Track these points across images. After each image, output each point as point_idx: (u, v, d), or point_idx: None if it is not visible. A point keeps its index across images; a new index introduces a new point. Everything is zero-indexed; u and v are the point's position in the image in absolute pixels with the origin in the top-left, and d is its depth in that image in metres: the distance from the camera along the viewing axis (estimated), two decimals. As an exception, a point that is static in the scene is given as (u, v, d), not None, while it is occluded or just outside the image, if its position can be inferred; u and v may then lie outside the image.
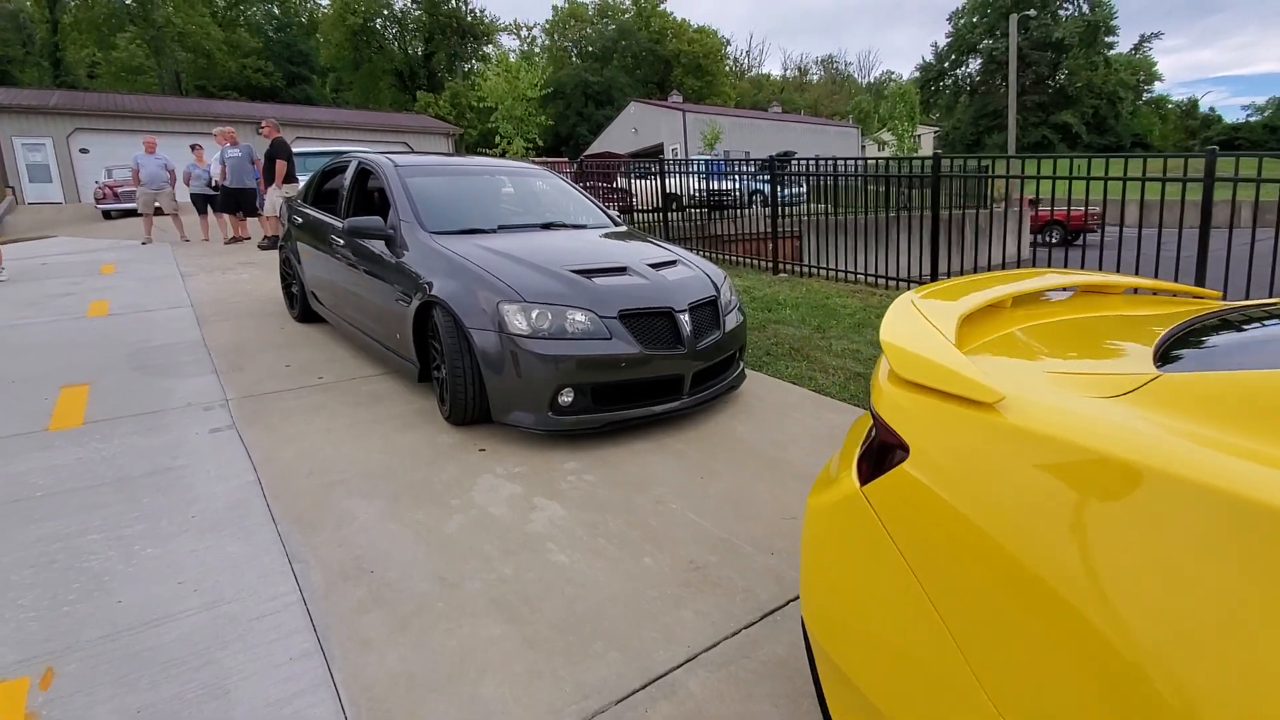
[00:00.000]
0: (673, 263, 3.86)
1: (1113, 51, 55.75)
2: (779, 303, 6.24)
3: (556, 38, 55.71)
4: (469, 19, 46.53)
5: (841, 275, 7.31)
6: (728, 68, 61.86)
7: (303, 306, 5.46)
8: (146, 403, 3.74)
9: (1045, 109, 54.47)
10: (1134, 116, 57.35)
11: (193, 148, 11.32)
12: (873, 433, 1.21)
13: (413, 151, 26.80)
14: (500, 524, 2.57)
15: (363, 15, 43.14)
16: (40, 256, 9.70)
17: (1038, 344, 1.34)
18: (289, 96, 43.29)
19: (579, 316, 3.19)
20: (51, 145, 20.74)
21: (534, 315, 3.16)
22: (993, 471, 0.95)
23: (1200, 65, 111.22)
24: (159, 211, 10.84)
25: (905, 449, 1.05)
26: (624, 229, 4.66)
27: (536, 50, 52.01)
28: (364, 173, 4.64)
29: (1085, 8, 55.04)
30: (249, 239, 10.64)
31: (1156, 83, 60.55)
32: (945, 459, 1.01)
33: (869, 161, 7.76)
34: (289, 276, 5.70)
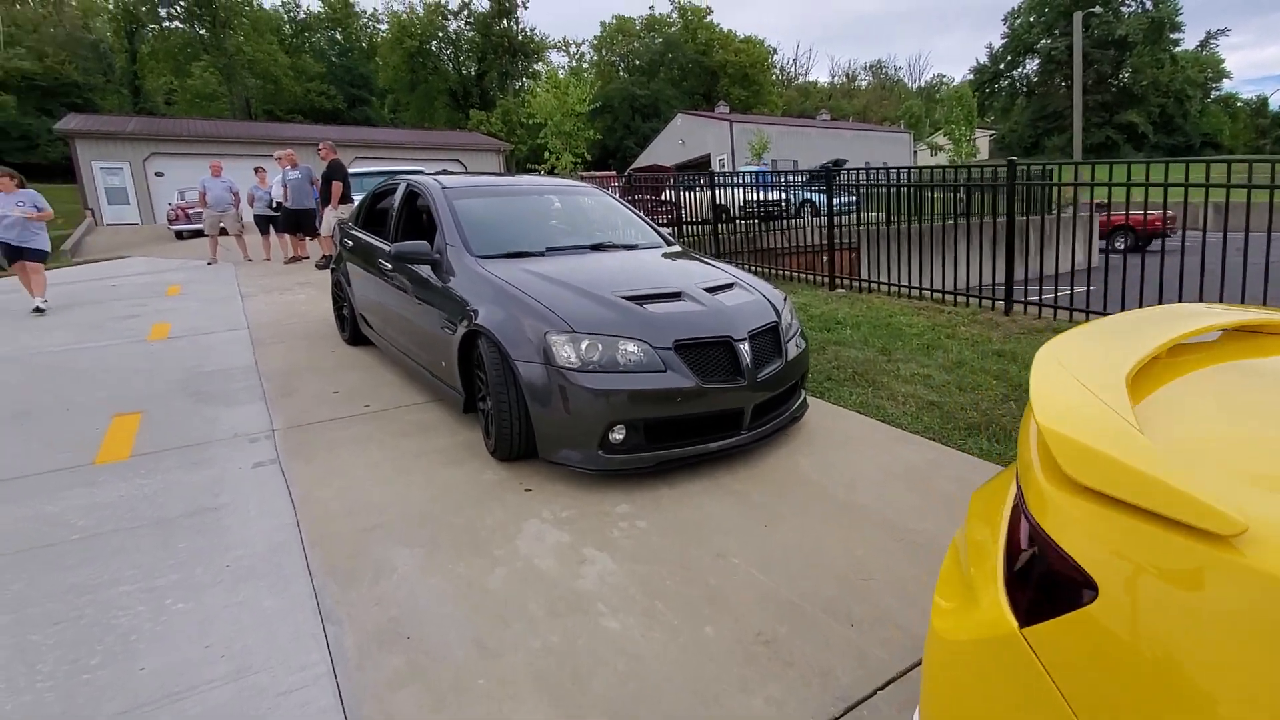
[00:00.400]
0: (729, 285, 3.61)
1: (1179, 49, 52.91)
2: (838, 321, 5.90)
3: (604, 53, 56.33)
4: (520, 38, 47.49)
5: (904, 291, 6.91)
6: (774, 76, 61.34)
7: (353, 329, 5.43)
8: (195, 433, 3.70)
9: (1109, 109, 51.89)
10: (1203, 115, 54.21)
11: (256, 170, 11.70)
12: (1030, 547, 0.93)
13: (465, 169, 27.34)
14: (547, 579, 2.36)
15: (419, 38, 44.54)
16: (112, 277, 10.13)
17: (1245, 423, 1.02)
18: (349, 118, 44.98)
19: (631, 347, 2.98)
20: (129, 169, 21.94)
21: (583, 346, 2.96)
22: (1228, 631, 0.68)
23: (1266, 62, 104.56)
24: (224, 232, 11.22)
25: (1090, 586, 0.78)
26: (677, 248, 4.44)
27: (585, 66, 52.64)
28: (412, 194, 4.56)
29: (1149, 4, 52.44)
30: (308, 258, 10.89)
31: (1225, 80, 57.21)
32: (1154, 608, 0.73)
33: (934, 169, 7.33)
34: (340, 299, 5.69)
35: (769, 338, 3.37)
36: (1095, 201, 15.93)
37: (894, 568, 2.42)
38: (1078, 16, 18.98)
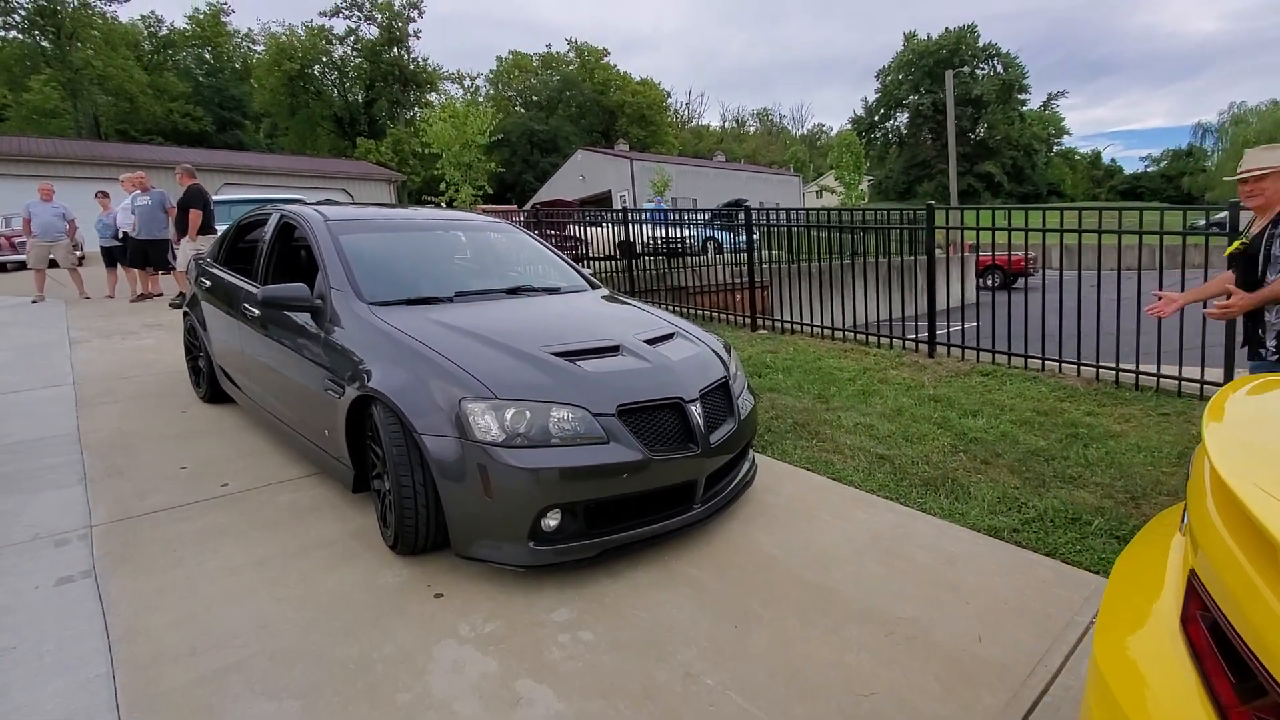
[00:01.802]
0: (670, 335, 3.19)
1: (1025, 108, 60.10)
2: (768, 365, 5.67)
3: (501, 87, 55.93)
4: (412, 67, 46.15)
5: (826, 331, 6.83)
6: (669, 118, 63.35)
7: (210, 384, 4.54)
8: (-26, 536, 2.77)
9: (969, 159, 57.73)
10: (1048, 167, 61.69)
11: (98, 195, 10.17)
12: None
13: (353, 200, 25.79)
14: (472, 736, 1.78)
15: (300, 61, 42.16)
16: (-99, 319, 8.31)
17: None
18: (219, 141, 41.53)
19: (566, 415, 2.47)
20: (-60, 191, 18.78)
21: (508, 416, 2.42)
22: None
23: (1097, 121, 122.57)
24: (54, 264, 9.59)
25: None
26: (604, 291, 3.99)
27: (481, 99, 52.05)
28: (287, 227, 3.85)
29: (1000, 68, 59.32)
30: (161, 295, 9.51)
31: (1065, 136, 65.52)
32: None
33: (840, 211, 7.43)
34: (194, 348, 4.77)
35: (720, 395, 2.98)
36: (968, 243, 17.35)
37: (893, 676, 2.04)
38: (949, 75, 20.79)
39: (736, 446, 2.97)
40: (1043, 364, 5.36)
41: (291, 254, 4.11)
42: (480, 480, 2.38)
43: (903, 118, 63.26)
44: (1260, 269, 2.92)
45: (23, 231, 10.12)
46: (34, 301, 9.23)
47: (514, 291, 3.61)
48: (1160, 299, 3.14)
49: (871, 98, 64.13)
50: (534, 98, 54.50)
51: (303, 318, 3.25)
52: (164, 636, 2.14)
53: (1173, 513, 1.66)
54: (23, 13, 35.20)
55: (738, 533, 2.94)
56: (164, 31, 44.70)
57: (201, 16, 44.79)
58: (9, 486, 3.26)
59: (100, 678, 1.95)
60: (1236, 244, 3.12)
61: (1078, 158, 66.90)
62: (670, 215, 10.07)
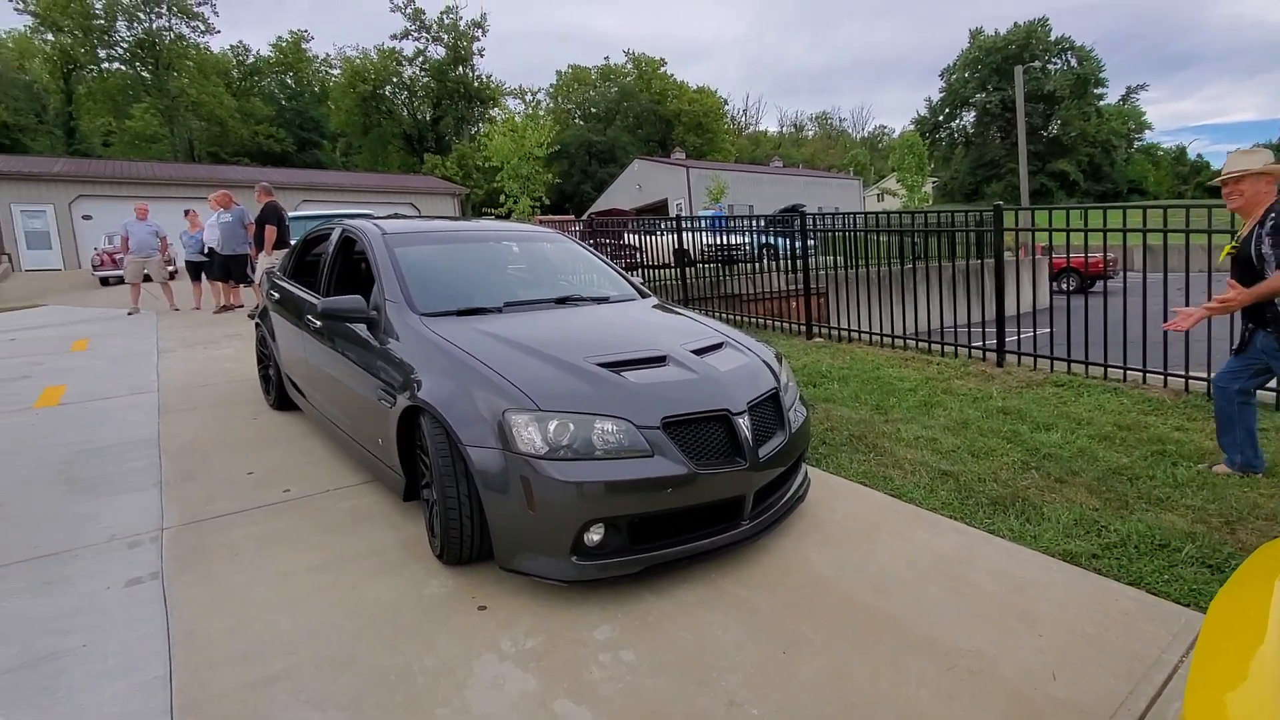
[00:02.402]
0: (719, 345, 3.11)
1: (1103, 103, 56.78)
2: (824, 375, 5.49)
3: (560, 100, 57.02)
4: (475, 84, 47.64)
5: (885, 339, 6.57)
6: (726, 125, 63.07)
7: (279, 393, 4.74)
8: (58, 536, 2.96)
9: (1041, 158, 54.98)
10: (1128, 164, 57.97)
11: (186, 213, 10.88)
12: None
13: (420, 213, 26.81)
14: (508, 757, 1.74)
15: (373, 82, 44.19)
16: (14, 330, 9.09)
17: None
18: (299, 161, 43.96)
19: (610, 427, 2.43)
20: (53, 212, 20.59)
21: (551, 428, 2.39)
22: None
23: (1181, 115, 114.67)
24: (148, 279, 10.30)
25: None
26: (653, 300, 3.95)
27: (541, 113, 53.29)
28: (348, 241, 3.98)
29: (1074, 62, 56.32)
30: (241, 307, 10.05)
31: (1147, 131, 61.53)
32: None
33: (901, 214, 7.15)
34: (265, 358, 4.99)
35: (770, 407, 2.88)
36: (1040, 245, 16.46)
37: (954, 714, 1.89)
38: (1018, 70, 19.84)
39: (787, 460, 2.86)
40: (1124, 374, 4.98)
41: (352, 266, 4.24)
42: (523, 493, 2.36)
43: (969, 117, 60.87)
44: (1260, 270, 3.01)
45: (120, 248, 10.93)
46: (130, 314, 9.93)
47: (562, 301, 3.60)
48: (1179, 313, 3.24)
49: (935, 97, 61.94)
50: (592, 110, 55.32)
51: (359, 328, 3.33)
52: (220, 641, 2.21)
53: (1277, 546, 1.47)
54: (125, 45, 38.25)
55: (789, 550, 2.83)
56: (250, 59, 47.78)
57: (284, 44, 47.66)
58: (93, 490, 3.48)
59: (158, 680, 2.02)
60: (1228, 248, 3.27)
61: (1160, 154, 62.60)
62: (725, 222, 9.95)
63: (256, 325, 5.06)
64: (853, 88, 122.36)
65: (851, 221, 7.25)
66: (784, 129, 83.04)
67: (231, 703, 1.93)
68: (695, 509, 2.52)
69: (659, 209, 33.32)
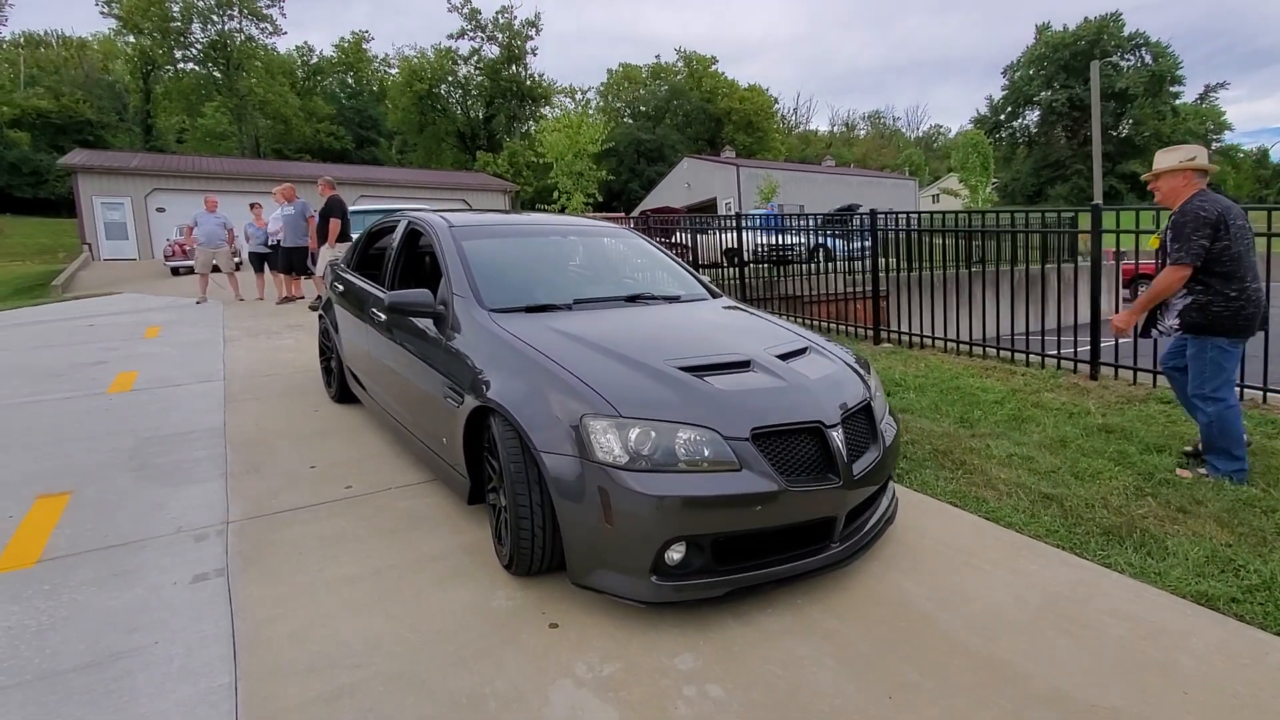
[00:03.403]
0: (803, 350, 2.89)
1: (1179, 101, 53.69)
2: (898, 383, 5.18)
3: (610, 99, 57.14)
4: (528, 83, 48.13)
5: (963, 347, 6.20)
6: (776, 124, 62.10)
7: (340, 386, 4.71)
8: (129, 525, 2.94)
9: (1111, 159, 52.33)
10: (1207, 166, 54.58)
11: (251, 206, 11.16)
12: None
13: (470, 208, 27.26)
14: (591, 803, 1.58)
15: (429, 81, 45.09)
16: (93, 316, 9.47)
17: None
18: (357, 158, 45.25)
19: (695, 437, 2.24)
20: (130, 204, 21.59)
21: (632, 436, 2.22)
22: None
23: (1263, 115, 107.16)
24: (216, 269, 10.61)
25: None
26: (725, 300, 3.74)
27: (591, 111, 53.42)
28: (414, 234, 3.89)
29: (1148, 58, 53.44)
30: (303, 298, 10.25)
31: (1226, 132, 57.83)
32: None
33: (970, 213, 6.76)
34: (327, 350, 4.98)
35: (863, 420, 2.64)
36: (1108, 250, 15.51)
37: (1101, 785, 1.63)
38: (1094, 64, 18.76)
39: (880, 478, 2.62)
40: (1240, 391, 4.51)
41: (418, 260, 4.17)
42: (601, 504, 2.19)
43: (1032, 116, 58.38)
44: (1159, 260, 3.38)
45: (187, 239, 11.30)
46: (198, 303, 10.25)
47: (633, 299, 3.43)
48: (1112, 320, 3.62)
49: (997, 95, 59.61)
50: (641, 108, 55.25)
51: (425, 323, 3.23)
52: (284, 649, 2.11)
53: None
54: (199, 46, 39.98)
55: (878, 577, 2.59)
56: (314, 60, 49.37)
57: (346, 45, 49.09)
58: (161, 478, 3.48)
59: (223, 689, 1.93)
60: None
61: (1240, 155, 58.75)
62: (782, 221, 9.64)
63: (320, 317, 5.06)
64: (908, 86, 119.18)
65: (926, 220, 6.88)
66: (834, 128, 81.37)
67: (297, 718, 1.81)
68: (784, 529, 2.32)
69: (707, 208, 32.97)
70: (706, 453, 2.23)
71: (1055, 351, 5.47)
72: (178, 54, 40.39)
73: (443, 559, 2.68)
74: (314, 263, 9.57)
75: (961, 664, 2.08)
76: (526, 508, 2.34)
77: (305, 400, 4.93)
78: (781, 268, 9.44)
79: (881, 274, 7.93)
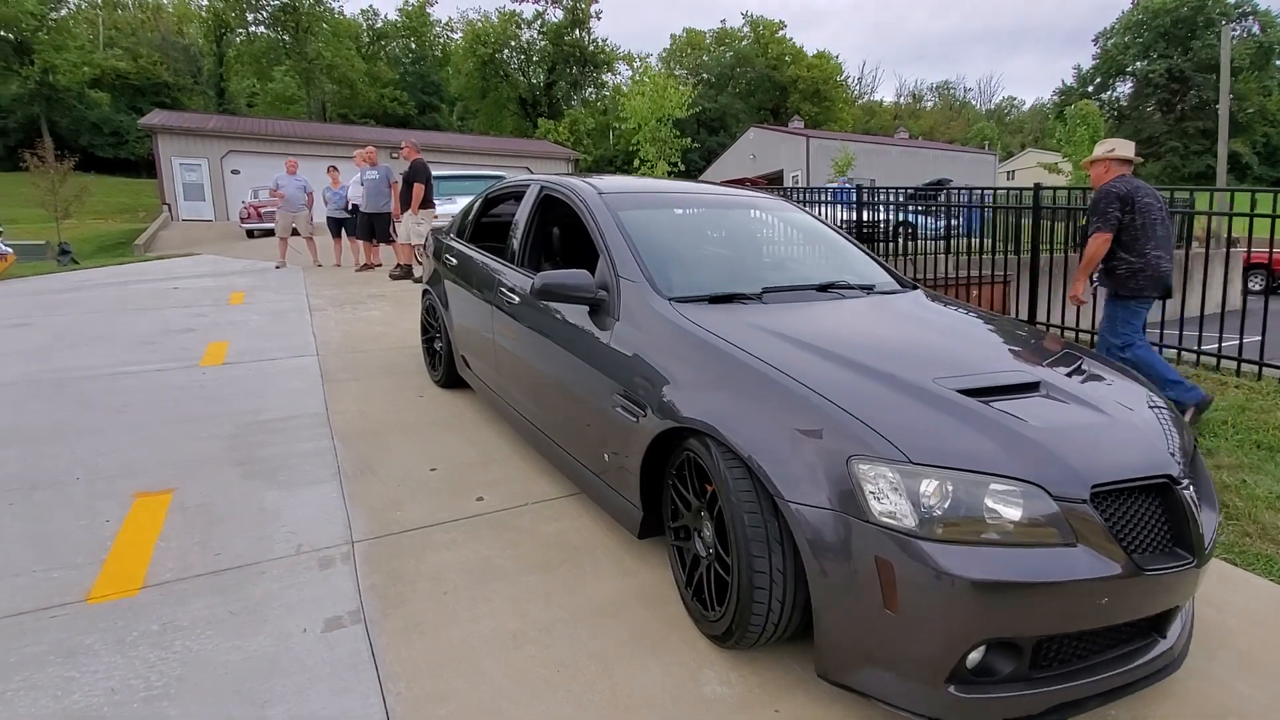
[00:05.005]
0: (1078, 363, 2.20)
1: (1289, 75, 48.76)
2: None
3: (672, 65, 55.43)
4: (590, 48, 47.00)
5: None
6: (844, 94, 59.23)
7: (447, 369, 4.24)
8: (241, 542, 2.49)
9: (1210, 136, 48.08)
10: (1314, 147, 49.69)
11: (329, 170, 10.84)
12: None
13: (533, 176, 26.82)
14: None
15: (492, 46, 44.46)
16: (177, 278, 9.36)
17: None
18: (419, 123, 45.20)
19: (1014, 495, 1.61)
20: (206, 166, 21.87)
21: (925, 490, 1.60)
22: None
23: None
24: (295, 233, 10.38)
25: None
26: (923, 292, 3.03)
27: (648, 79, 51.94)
28: (550, 201, 3.31)
29: (1256, 28, 48.54)
30: (380, 266, 9.93)
31: (1342, 110, 52.17)
32: None
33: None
34: (432, 328, 4.51)
35: (1196, 468, 1.96)
36: (1231, 237, 13.94)
37: None
38: (1226, 29, 16.79)
39: (1214, 549, 1.94)
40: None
41: (556, 233, 3.61)
42: (880, 583, 1.59)
43: (1124, 88, 53.97)
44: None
45: (272, 200, 11.08)
46: (277, 267, 10.04)
47: (824, 289, 2.78)
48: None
49: (1085, 65, 55.24)
50: (704, 75, 53.38)
51: (574, 311, 2.67)
52: (458, 748, 1.60)
53: None
54: (269, 10, 40.26)
55: (1200, 674, 1.93)
56: (379, 24, 49.28)
57: (410, 8, 48.74)
58: (267, 476, 3.05)
59: (391, 810, 1.43)
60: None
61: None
62: (873, 195, 8.84)
63: (425, 292, 4.57)
64: (980, 55, 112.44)
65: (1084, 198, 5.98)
66: (901, 99, 77.34)
67: None
68: (1121, 625, 1.67)
69: (774, 180, 31.67)
70: (1028, 517, 1.59)
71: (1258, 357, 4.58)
72: (249, 17, 40.79)
73: (618, 613, 2.14)
74: (395, 230, 9.19)
75: None
76: (765, 574, 1.75)
77: (407, 382, 4.48)
78: (910, 246, 8.68)
79: (993, 257, 7.13)
